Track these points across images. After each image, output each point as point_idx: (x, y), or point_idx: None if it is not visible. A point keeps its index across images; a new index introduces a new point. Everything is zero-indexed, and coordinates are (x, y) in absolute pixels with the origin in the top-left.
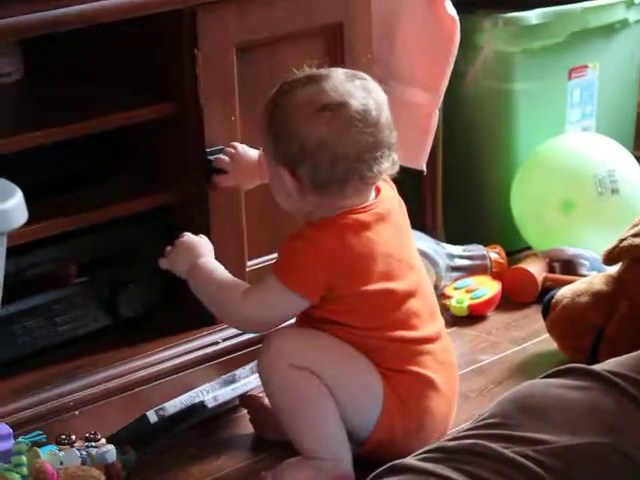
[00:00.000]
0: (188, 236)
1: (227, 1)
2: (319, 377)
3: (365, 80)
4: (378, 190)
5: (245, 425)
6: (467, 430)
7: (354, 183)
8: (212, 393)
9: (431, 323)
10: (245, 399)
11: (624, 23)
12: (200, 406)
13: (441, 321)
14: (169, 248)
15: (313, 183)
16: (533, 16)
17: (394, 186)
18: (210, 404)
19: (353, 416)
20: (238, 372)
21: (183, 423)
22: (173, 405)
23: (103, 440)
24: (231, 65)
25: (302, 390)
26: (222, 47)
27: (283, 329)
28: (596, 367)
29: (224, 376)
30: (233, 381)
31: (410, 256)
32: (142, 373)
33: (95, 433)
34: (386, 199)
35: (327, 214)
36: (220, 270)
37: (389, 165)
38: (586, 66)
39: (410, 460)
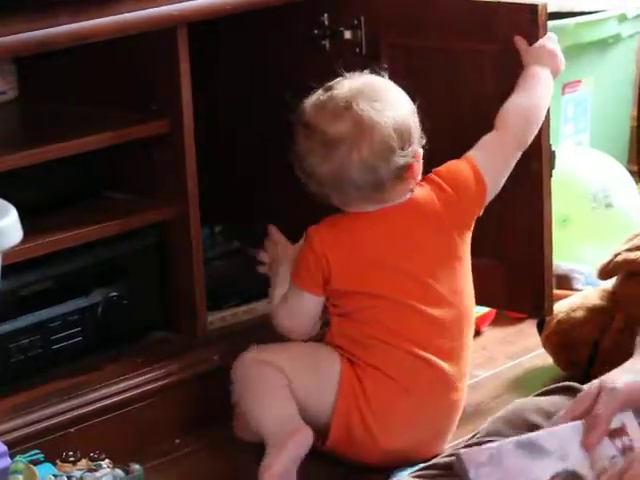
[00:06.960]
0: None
1: None
2: (277, 367)
3: (351, 110)
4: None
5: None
6: (460, 448)
7: (335, 198)
8: None
9: (436, 348)
10: None
11: (617, 38)
12: None
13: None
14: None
15: (306, 186)
16: None
17: (437, 187)
18: None
19: (310, 396)
20: None
21: None
22: None
23: (107, 460)
24: None
25: (257, 372)
26: None
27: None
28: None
29: None
30: None
31: (422, 271)
32: (137, 390)
33: (99, 453)
34: (410, 206)
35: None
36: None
37: (364, 197)
38: (579, 81)
39: (406, 477)
